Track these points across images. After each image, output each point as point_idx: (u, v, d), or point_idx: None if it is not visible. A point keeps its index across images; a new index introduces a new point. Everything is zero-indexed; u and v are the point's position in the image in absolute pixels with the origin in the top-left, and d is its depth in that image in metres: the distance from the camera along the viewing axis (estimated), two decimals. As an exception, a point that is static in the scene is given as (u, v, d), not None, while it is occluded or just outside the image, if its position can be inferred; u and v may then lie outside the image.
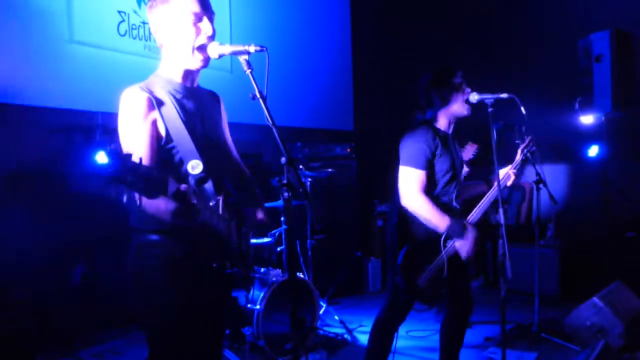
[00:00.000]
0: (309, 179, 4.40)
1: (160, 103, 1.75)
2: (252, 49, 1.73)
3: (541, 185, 3.82)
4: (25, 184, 3.76)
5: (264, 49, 1.72)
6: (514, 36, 5.51)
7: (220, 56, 1.82)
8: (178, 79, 1.86)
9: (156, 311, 1.80)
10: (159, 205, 1.60)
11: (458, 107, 2.66)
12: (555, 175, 5.32)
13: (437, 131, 2.64)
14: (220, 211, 1.75)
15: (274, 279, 3.57)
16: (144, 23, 4.51)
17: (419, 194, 2.51)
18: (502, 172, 2.84)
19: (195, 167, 1.62)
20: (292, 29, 5.84)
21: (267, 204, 4.18)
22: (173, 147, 1.75)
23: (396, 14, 6.42)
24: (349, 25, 6.59)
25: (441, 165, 2.60)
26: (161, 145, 1.74)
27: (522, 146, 2.98)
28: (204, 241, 1.75)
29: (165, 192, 1.40)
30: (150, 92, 1.75)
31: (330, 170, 4.68)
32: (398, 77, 5.47)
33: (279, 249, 4.26)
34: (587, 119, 4.54)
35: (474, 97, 2.62)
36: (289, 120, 5.56)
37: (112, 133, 4.18)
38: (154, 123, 1.73)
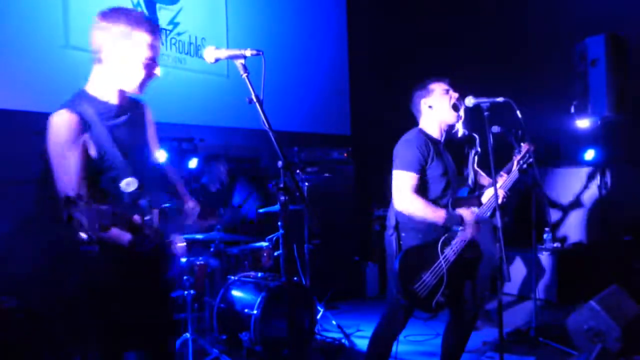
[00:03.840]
0: (306, 184, 4.40)
1: (90, 124, 1.77)
2: (248, 53, 1.73)
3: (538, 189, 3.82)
4: (21, 189, 3.74)
5: (260, 53, 1.73)
6: (510, 40, 5.53)
7: (217, 60, 1.82)
8: (108, 97, 1.87)
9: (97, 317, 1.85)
10: (114, 236, 1.69)
11: (445, 114, 2.68)
12: (551, 180, 5.34)
13: (429, 137, 2.68)
14: (156, 224, 1.81)
15: (271, 283, 3.56)
16: (140, 28, 4.51)
17: (411, 194, 2.54)
18: (491, 192, 2.76)
19: (129, 184, 1.68)
20: (288, 33, 5.85)
21: (264, 209, 4.20)
22: (106, 166, 1.79)
23: (393, 18, 6.44)
24: (346, 29, 6.61)
25: (433, 171, 2.62)
26: (94, 165, 1.78)
27: (517, 157, 2.91)
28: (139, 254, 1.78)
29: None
30: (79, 114, 1.77)
31: (327, 174, 4.69)
32: (395, 82, 5.48)
33: (276, 253, 4.25)
34: (583, 123, 4.55)
35: (470, 100, 2.63)
36: (286, 125, 5.57)
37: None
38: (84, 144, 1.77)
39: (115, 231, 1.62)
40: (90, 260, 1.82)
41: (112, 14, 1.80)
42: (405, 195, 2.56)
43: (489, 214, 2.70)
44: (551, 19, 5.28)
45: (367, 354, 2.81)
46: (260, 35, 5.53)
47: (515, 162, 2.89)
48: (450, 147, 2.77)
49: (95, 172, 1.79)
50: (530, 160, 2.92)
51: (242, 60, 1.74)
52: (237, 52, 1.74)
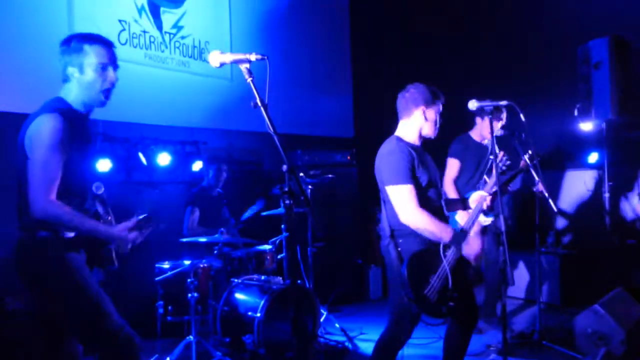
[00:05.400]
0: (310, 187, 4.40)
1: (73, 131, 2.02)
2: (253, 57, 1.74)
3: (542, 192, 3.81)
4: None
5: (265, 57, 1.74)
6: (513, 43, 5.53)
7: (222, 64, 1.83)
8: (82, 108, 2.16)
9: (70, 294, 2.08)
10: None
11: (431, 130, 2.71)
12: (555, 182, 5.33)
13: (409, 145, 2.66)
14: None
15: (274, 286, 3.56)
16: (144, 32, 4.53)
17: (417, 209, 2.50)
18: (476, 196, 2.78)
19: (99, 187, 2.12)
20: (291, 36, 5.87)
21: (268, 212, 4.21)
22: (79, 170, 2.10)
23: (395, 20, 6.46)
24: (348, 33, 6.62)
25: (420, 178, 2.60)
26: (72, 168, 2.04)
27: (525, 157, 2.91)
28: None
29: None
30: (67, 120, 2.02)
31: (330, 177, 4.69)
32: (397, 84, 5.48)
33: (279, 256, 4.26)
34: (586, 126, 4.55)
35: (473, 104, 2.63)
36: (289, 128, 5.57)
37: (112, 140, 4.19)
38: (67, 149, 2.01)
39: (93, 222, 2.04)
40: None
41: (68, 38, 2.17)
42: (411, 210, 2.51)
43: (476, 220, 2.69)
44: (554, 22, 5.28)
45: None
46: (263, 39, 5.54)
47: (522, 161, 2.90)
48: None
49: (74, 173, 2.06)
50: (535, 161, 2.93)
51: (247, 65, 1.75)
52: (242, 56, 1.75)
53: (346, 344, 4.05)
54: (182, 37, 4.82)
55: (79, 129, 2.09)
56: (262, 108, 1.72)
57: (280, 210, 4.10)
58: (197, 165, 4.58)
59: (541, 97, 4.91)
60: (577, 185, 5.20)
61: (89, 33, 2.18)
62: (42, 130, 1.98)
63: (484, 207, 2.72)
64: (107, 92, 2.15)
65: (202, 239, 3.77)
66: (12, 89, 3.73)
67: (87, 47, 2.10)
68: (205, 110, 4.94)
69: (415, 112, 2.69)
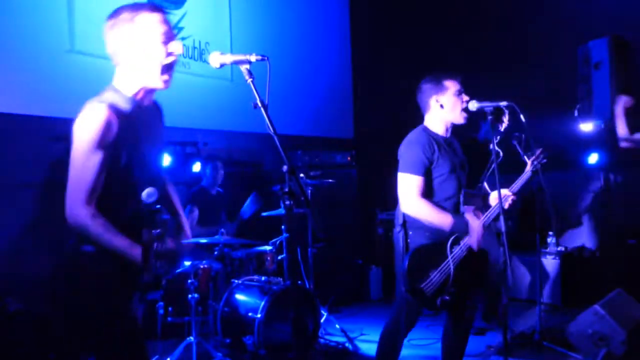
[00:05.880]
0: (310, 187, 4.40)
1: (124, 125, 1.72)
2: (253, 58, 1.74)
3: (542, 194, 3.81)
4: (26, 192, 3.76)
5: (266, 58, 1.73)
6: (513, 43, 5.53)
7: (222, 65, 1.83)
8: (137, 96, 1.83)
9: (93, 318, 1.76)
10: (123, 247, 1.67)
11: (455, 115, 2.67)
12: (555, 183, 5.32)
13: (433, 136, 2.66)
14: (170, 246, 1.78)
15: (274, 287, 3.56)
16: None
17: (418, 198, 2.54)
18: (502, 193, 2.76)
19: (151, 195, 1.58)
20: (291, 37, 5.87)
21: (268, 213, 4.21)
22: (130, 170, 1.74)
23: (395, 21, 6.45)
24: (349, 32, 6.62)
25: (440, 170, 2.61)
26: (119, 168, 1.72)
27: (532, 158, 2.90)
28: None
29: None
30: (116, 112, 1.71)
31: (330, 178, 4.69)
32: (398, 85, 5.48)
33: (279, 257, 4.25)
34: (586, 127, 4.55)
35: (474, 105, 2.63)
36: (289, 128, 5.57)
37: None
38: (115, 147, 1.70)
39: (125, 242, 1.64)
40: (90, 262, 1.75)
41: (115, 10, 1.80)
42: (411, 199, 2.56)
43: (493, 217, 2.69)
44: (554, 22, 5.28)
45: (377, 352, 2.81)
46: (264, 39, 5.54)
47: (529, 163, 2.88)
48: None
49: (121, 173, 1.72)
50: (544, 160, 2.91)
51: (247, 66, 1.75)
52: (242, 57, 1.75)
53: (346, 344, 4.05)
54: (183, 38, 4.82)
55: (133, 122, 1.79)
56: (262, 109, 1.71)
57: (281, 211, 4.10)
58: (197, 166, 4.59)
59: (541, 97, 4.90)
60: (578, 185, 5.20)
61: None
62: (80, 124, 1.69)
63: (506, 206, 2.72)
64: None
65: (203, 240, 3.76)
66: (13, 89, 3.73)
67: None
68: (205, 111, 4.93)
69: (431, 103, 2.71)
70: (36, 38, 3.85)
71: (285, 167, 1.70)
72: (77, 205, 1.66)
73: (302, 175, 4.52)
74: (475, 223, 2.58)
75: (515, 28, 5.56)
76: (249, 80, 1.73)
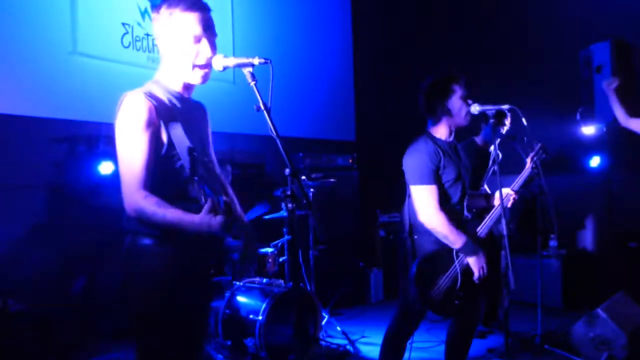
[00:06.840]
0: (311, 190, 4.41)
1: (163, 111, 1.75)
2: (256, 61, 1.74)
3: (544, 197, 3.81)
4: (28, 193, 3.77)
5: (268, 61, 1.74)
6: (515, 47, 5.54)
7: (225, 68, 1.84)
8: (178, 88, 1.87)
9: (146, 315, 1.78)
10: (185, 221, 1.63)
11: (460, 119, 2.66)
12: (557, 186, 5.32)
13: (437, 142, 2.64)
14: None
15: (276, 289, 3.56)
16: (147, 35, 4.55)
17: (437, 211, 2.51)
18: (504, 192, 2.76)
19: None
20: (294, 40, 5.88)
21: (270, 215, 4.21)
22: (174, 155, 1.75)
23: (398, 24, 6.47)
24: (351, 35, 6.63)
25: (447, 176, 2.59)
26: (163, 153, 1.74)
27: (531, 154, 2.90)
28: (198, 249, 1.80)
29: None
30: (154, 99, 1.75)
31: (332, 180, 4.69)
32: (399, 88, 5.50)
33: (281, 259, 4.26)
34: (588, 130, 4.55)
35: (476, 108, 2.63)
36: (291, 131, 5.58)
37: (115, 144, 4.19)
38: (156, 131, 1.73)
39: (179, 212, 1.62)
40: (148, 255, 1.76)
41: (160, 2, 1.82)
42: (430, 212, 2.51)
43: (495, 220, 2.70)
44: (556, 25, 5.29)
45: (380, 356, 2.80)
46: (266, 42, 5.55)
47: (528, 160, 2.88)
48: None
49: (165, 159, 1.74)
50: (544, 156, 2.91)
51: (250, 69, 1.75)
52: (245, 60, 1.75)
53: (348, 347, 4.04)
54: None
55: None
56: (265, 112, 1.72)
57: (282, 213, 4.10)
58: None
59: (543, 101, 4.91)
60: (579, 188, 5.19)
61: None
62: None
63: (509, 205, 2.73)
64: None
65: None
66: (15, 91, 3.74)
67: None
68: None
69: (437, 107, 2.66)
70: (39, 40, 3.87)
71: (287, 170, 1.71)
72: (131, 193, 1.67)
73: (303, 177, 4.52)
74: (483, 252, 2.58)
75: (516, 31, 5.57)
76: (252, 83, 1.74)
